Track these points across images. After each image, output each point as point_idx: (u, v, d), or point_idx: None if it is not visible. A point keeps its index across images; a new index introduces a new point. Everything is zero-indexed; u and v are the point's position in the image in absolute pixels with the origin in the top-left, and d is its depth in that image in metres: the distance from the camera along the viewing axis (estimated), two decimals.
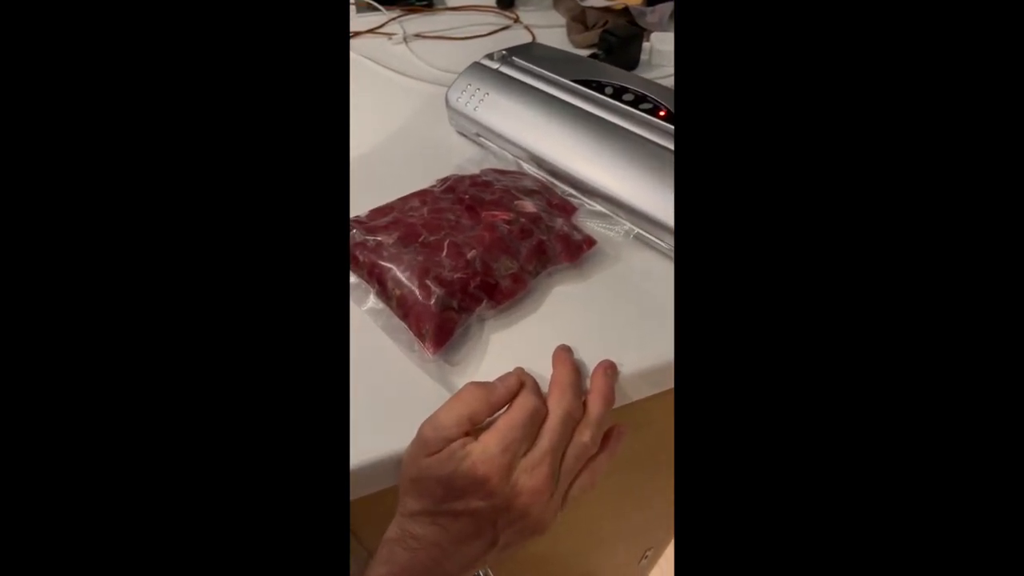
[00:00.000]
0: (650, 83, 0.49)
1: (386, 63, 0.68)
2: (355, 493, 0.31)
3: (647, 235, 0.42)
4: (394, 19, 0.80)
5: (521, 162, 0.49)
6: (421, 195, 0.42)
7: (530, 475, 0.28)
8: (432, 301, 0.33)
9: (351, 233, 0.38)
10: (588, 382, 0.33)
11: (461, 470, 0.27)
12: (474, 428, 0.29)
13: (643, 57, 0.69)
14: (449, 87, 0.53)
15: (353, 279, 0.37)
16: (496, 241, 0.37)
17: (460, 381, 0.33)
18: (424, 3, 0.84)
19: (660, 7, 0.73)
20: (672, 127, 0.44)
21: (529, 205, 0.41)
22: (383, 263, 0.36)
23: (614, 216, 0.43)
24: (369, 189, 0.42)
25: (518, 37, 0.78)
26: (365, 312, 0.36)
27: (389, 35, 0.76)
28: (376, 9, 0.82)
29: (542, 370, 0.33)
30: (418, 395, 0.32)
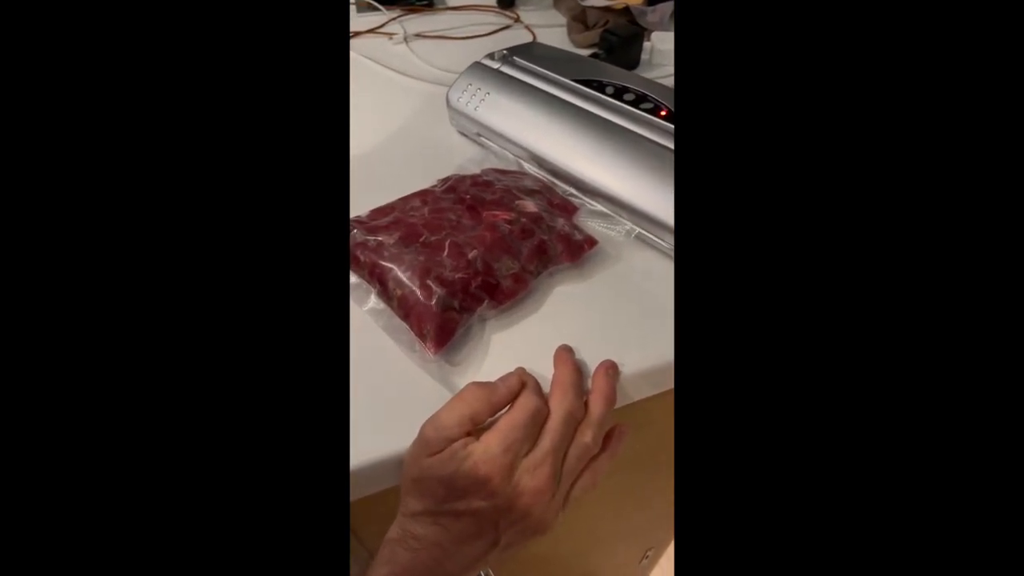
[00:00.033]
0: (651, 83, 0.49)
1: (387, 63, 0.68)
2: (356, 493, 0.31)
3: (648, 235, 0.42)
4: (394, 19, 0.80)
5: (522, 162, 0.49)
6: (422, 195, 0.42)
7: (532, 475, 0.28)
8: (433, 301, 0.33)
9: (352, 233, 0.38)
10: (589, 382, 0.33)
11: (463, 470, 0.27)
12: (476, 428, 0.29)
13: (644, 57, 0.69)
14: (450, 87, 0.53)
15: (354, 279, 0.37)
16: (497, 241, 0.37)
17: (461, 381, 0.33)
18: (424, 3, 0.84)
19: (661, 6, 0.73)
20: (673, 127, 0.44)
21: (530, 205, 0.41)
22: (384, 263, 0.36)
23: (615, 216, 0.43)
24: (370, 189, 0.42)
25: (519, 37, 0.78)
26: (366, 312, 0.36)
27: (389, 35, 0.76)
28: (376, 9, 0.82)
29: (543, 370, 0.33)
30: (419, 395, 0.32)
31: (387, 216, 0.40)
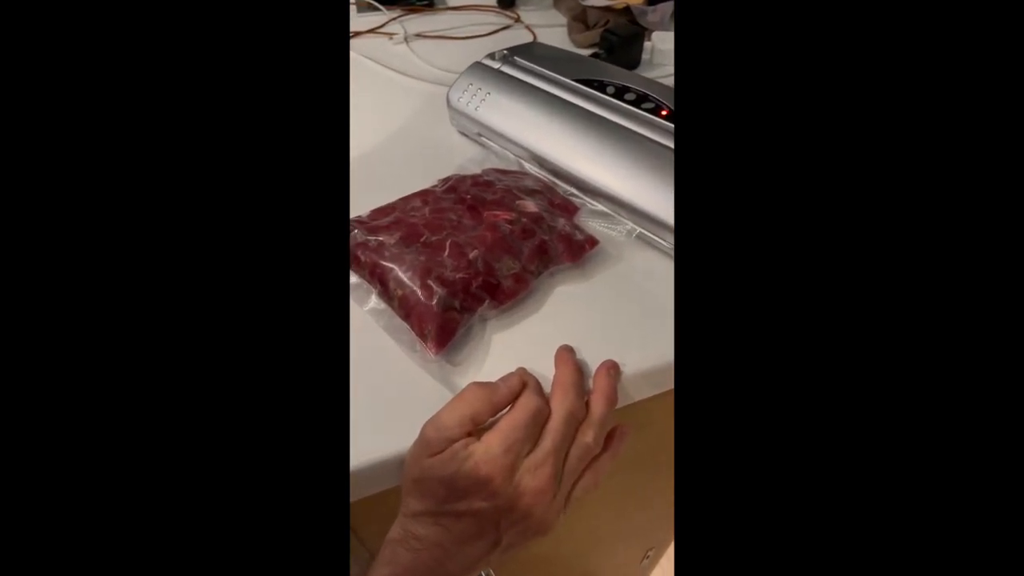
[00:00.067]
0: (652, 82, 0.49)
1: (387, 63, 0.68)
2: (358, 493, 0.31)
3: (649, 235, 0.42)
4: (395, 19, 0.80)
5: (523, 162, 0.49)
6: (423, 195, 0.42)
7: (533, 475, 0.28)
8: (434, 301, 0.33)
9: (353, 233, 0.38)
10: (591, 382, 0.33)
11: (464, 470, 0.27)
12: (477, 428, 0.29)
13: (644, 56, 0.69)
14: (450, 87, 0.53)
15: (355, 279, 0.37)
16: (498, 241, 0.37)
17: (462, 381, 0.32)
18: (425, 3, 0.84)
19: (661, 6, 0.73)
20: (673, 126, 0.43)
21: (531, 205, 0.41)
22: (385, 263, 0.36)
23: (616, 216, 0.43)
24: (370, 189, 0.42)
25: (519, 37, 0.78)
26: (367, 312, 0.36)
27: (390, 35, 0.76)
28: (377, 9, 0.81)
29: (545, 370, 0.33)
30: (420, 395, 0.32)
31: (388, 216, 0.40)
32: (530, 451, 0.29)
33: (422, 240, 0.37)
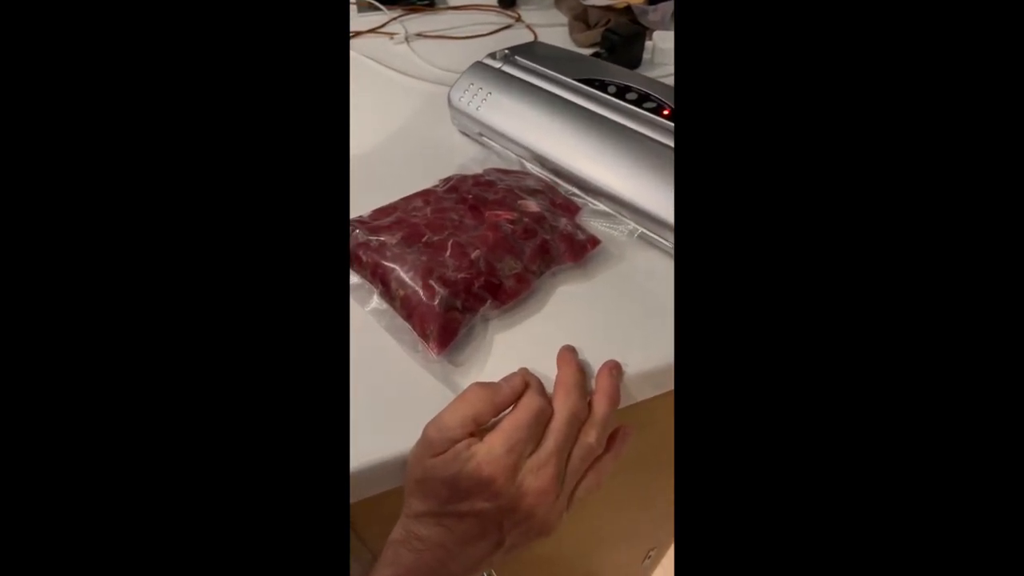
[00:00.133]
0: (653, 82, 0.49)
1: (388, 63, 0.68)
2: (360, 494, 0.31)
3: (651, 234, 0.42)
4: (395, 19, 0.80)
5: (524, 161, 0.49)
6: (424, 195, 0.42)
7: (536, 476, 0.28)
8: (436, 301, 0.33)
9: (354, 233, 0.38)
10: (593, 382, 0.33)
11: (466, 471, 0.27)
12: (479, 429, 0.29)
13: (646, 56, 0.69)
14: (451, 86, 0.53)
15: (356, 279, 0.37)
16: (500, 241, 0.37)
17: (464, 382, 0.32)
18: (425, 3, 0.84)
19: (662, 6, 0.73)
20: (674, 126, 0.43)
21: (533, 205, 0.41)
22: (386, 263, 0.36)
23: (618, 215, 0.43)
24: (371, 189, 0.42)
25: (520, 36, 0.78)
26: (368, 312, 0.36)
27: (391, 35, 0.76)
28: (377, 9, 0.81)
29: (547, 370, 0.32)
30: (422, 396, 0.32)
31: (389, 216, 0.40)
32: (533, 451, 0.29)
33: (424, 240, 0.37)
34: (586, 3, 0.76)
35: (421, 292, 0.34)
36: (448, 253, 0.36)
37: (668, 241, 0.41)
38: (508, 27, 0.80)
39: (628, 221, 0.43)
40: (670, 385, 0.37)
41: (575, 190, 0.45)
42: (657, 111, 0.45)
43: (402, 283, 0.35)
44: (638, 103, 0.46)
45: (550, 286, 0.39)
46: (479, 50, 0.59)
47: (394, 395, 0.32)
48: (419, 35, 0.76)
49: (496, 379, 0.31)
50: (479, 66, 0.53)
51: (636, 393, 0.35)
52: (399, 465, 0.30)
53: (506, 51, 0.54)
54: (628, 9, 0.74)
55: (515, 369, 0.32)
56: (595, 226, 0.43)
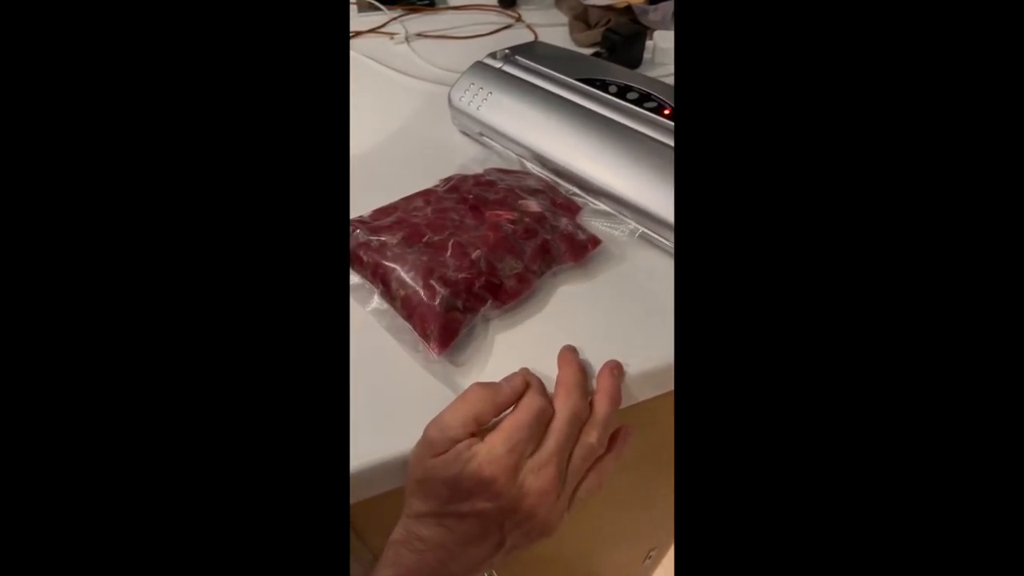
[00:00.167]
0: (654, 81, 0.49)
1: (388, 63, 0.68)
2: (361, 494, 0.31)
3: (652, 234, 0.41)
4: (396, 19, 0.80)
5: (525, 161, 0.49)
6: (425, 195, 0.42)
7: (537, 476, 0.28)
8: (437, 301, 0.33)
9: (355, 233, 0.38)
10: (594, 382, 0.32)
11: (467, 471, 0.27)
12: (480, 429, 0.29)
13: (646, 55, 0.69)
14: (452, 86, 0.53)
15: (357, 279, 0.37)
16: (500, 241, 0.37)
17: (465, 382, 0.32)
18: (426, 2, 0.84)
19: (662, 5, 0.73)
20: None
21: (533, 204, 0.41)
22: (387, 263, 0.36)
23: (619, 215, 0.43)
24: (372, 189, 0.42)
25: (520, 36, 0.78)
26: (369, 313, 0.36)
27: (391, 35, 0.76)
28: (378, 9, 0.81)
29: (548, 370, 0.32)
30: (423, 396, 0.32)
31: (390, 216, 0.40)
32: (534, 451, 0.29)
33: (424, 240, 0.37)
34: (586, 3, 0.76)
35: (422, 292, 0.34)
36: (449, 253, 0.36)
37: (669, 241, 0.41)
38: (508, 27, 0.80)
39: (629, 221, 0.43)
40: (671, 385, 0.37)
41: (576, 190, 0.45)
42: (658, 111, 0.45)
43: (403, 283, 0.35)
44: (639, 103, 0.46)
45: (551, 286, 0.39)
46: (479, 50, 0.59)
47: (395, 395, 0.32)
48: (419, 35, 0.76)
49: (497, 379, 0.31)
50: (479, 66, 0.53)
51: (637, 393, 0.35)
52: (400, 465, 0.30)
53: (506, 51, 0.54)
54: (628, 9, 0.74)
55: (516, 369, 0.32)
56: (596, 226, 0.43)
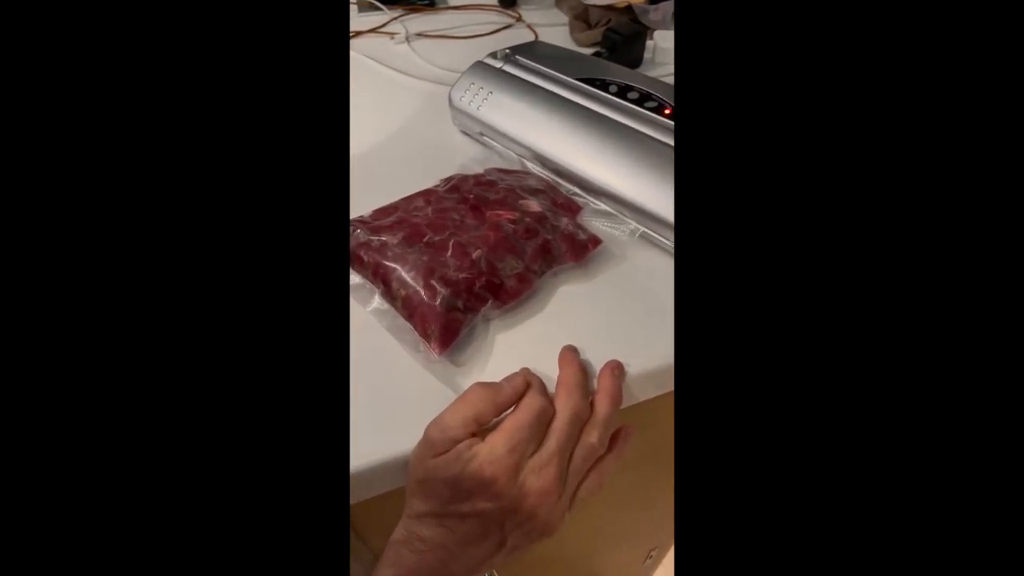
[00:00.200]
0: (654, 81, 0.48)
1: (388, 63, 0.68)
2: (361, 495, 0.31)
3: (653, 234, 0.41)
4: (396, 18, 0.80)
5: (525, 161, 0.49)
6: (425, 195, 0.42)
7: (537, 476, 0.28)
8: (437, 301, 0.33)
9: (355, 233, 0.38)
10: (595, 382, 0.32)
11: (468, 471, 0.27)
12: (480, 429, 0.29)
13: (647, 55, 0.69)
14: (452, 86, 0.53)
15: (358, 279, 0.37)
16: (501, 241, 0.37)
17: (466, 382, 0.32)
18: (426, 2, 0.84)
19: (663, 5, 0.73)
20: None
21: (534, 204, 0.41)
22: (388, 263, 0.36)
23: (619, 215, 0.43)
24: (372, 189, 0.42)
25: (520, 36, 0.78)
26: (370, 313, 0.36)
27: (391, 34, 0.76)
28: (378, 8, 0.81)
29: (548, 370, 0.32)
30: (423, 396, 0.32)
31: (390, 216, 0.40)
32: (534, 452, 0.28)
33: (425, 240, 0.37)
34: (587, 2, 0.76)
35: (423, 292, 0.34)
36: (449, 253, 0.36)
37: (670, 240, 0.41)
38: (509, 27, 0.80)
39: (630, 221, 0.42)
40: (672, 385, 0.36)
41: (576, 190, 0.45)
42: (658, 110, 0.45)
43: (403, 283, 0.34)
44: (639, 102, 0.46)
45: (551, 286, 0.39)
46: (480, 50, 0.59)
47: (395, 395, 0.32)
48: (419, 35, 0.76)
49: (498, 379, 0.31)
50: (480, 66, 0.53)
51: (638, 393, 0.35)
52: (400, 465, 0.30)
53: (507, 51, 0.54)
54: (629, 8, 0.74)
55: (517, 369, 0.32)
56: (596, 226, 0.43)
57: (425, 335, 0.33)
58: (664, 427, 0.44)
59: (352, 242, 0.37)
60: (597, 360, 0.34)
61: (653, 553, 0.87)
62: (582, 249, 0.39)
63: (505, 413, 0.30)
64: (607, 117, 0.45)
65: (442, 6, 0.86)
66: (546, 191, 0.44)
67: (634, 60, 0.68)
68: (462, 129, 0.55)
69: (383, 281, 0.36)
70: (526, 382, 0.30)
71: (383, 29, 0.77)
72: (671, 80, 0.55)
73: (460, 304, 0.34)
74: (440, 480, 0.27)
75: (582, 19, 0.75)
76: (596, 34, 0.71)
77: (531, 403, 0.29)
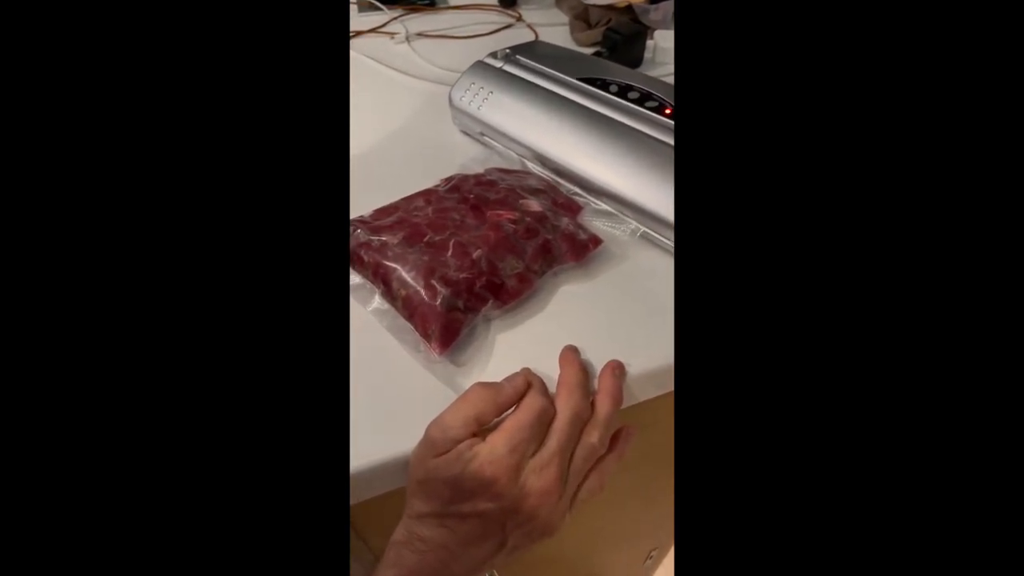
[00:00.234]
0: (655, 80, 0.48)
1: (388, 62, 0.68)
2: (361, 495, 0.31)
3: (653, 234, 0.41)
4: (396, 18, 0.80)
5: (526, 161, 0.49)
6: (425, 195, 0.42)
7: (538, 476, 0.28)
8: (438, 301, 0.33)
9: (356, 233, 0.38)
10: (596, 382, 0.32)
11: (468, 471, 0.27)
12: (481, 429, 0.29)
13: (647, 55, 0.69)
14: (452, 86, 0.53)
15: (358, 279, 0.37)
16: (502, 240, 0.37)
17: (467, 382, 0.32)
18: (426, 2, 0.84)
19: (663, 5, 0.73)
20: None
21: (534, 204, 0.41)
22: (388, 263, 0.35)
23: (620, 215, 0.43)
24: (373, 189, 0.42)
25: (520, 36, 0.78)
26: (370, 313, 0.36)
27: (391, 34, 0.76)
28: (378, 8, 0.81)
29: (549, 370, 0.32)
30: (424, 396, 0.32)
31: (391, 216, 0.40)
32: (535, 452, 0.28)
33: (425, 240, 0.37)
34: (587, 2, 0.76)
35: (423, 292, 0.34)
36: (450, 253, 0.36)
37: (670, 240, 0.41)
38: (509, 26, 0.80)
39: (630, 220, 0.42)
40: (672, 385, 0.36)
41: (577, 189, 0.45)
42: (659, 110, 0.45)
43: (404, 283, 0.34)
44: (640, 102, 0.46)
45: (552, 286, 0.39)
46: (480, 49, 0.59)
47: (395, 395, 0.32)
48: (420, 35, 0.76)
49: (498, 379, 0.31)
50: (480, 65, 0.53)
51: (639, 393, 0.35)
52: (401, 466, 0.30)
53: (507, 50, 0.54)
54: (629, 8, 0.74)
55: (517, 369, 0.32)
56: (597, 225, 0.42)
57: (425, 335, 0.33)
58: (664, 427, 0.44)
59: (352, 242, 0.37)
60: (598, 360, 0.34)
61: (653, 553, 0.87)
62: (583, 249, 0.39)
63: (506, 413, 0.30)
64: (607, 117, 0.45)
65: (442, 6, 0.86)
66: (546, 191, 0.44)
67: (634, 60, 0.68)
68: (462, 129, 0.55)
69: (383, 281, 0.36)
70: (527, 382, 0.30)
71: (383, 29, 0.77)
72: (671, 80, 0.55)
73: (461, 304, 0.34)
74: (441, 480, 0.27)
75: (582, 19, 0.75)
76: (596, 34, 0.71)
77: (532, 403, 0.29)
